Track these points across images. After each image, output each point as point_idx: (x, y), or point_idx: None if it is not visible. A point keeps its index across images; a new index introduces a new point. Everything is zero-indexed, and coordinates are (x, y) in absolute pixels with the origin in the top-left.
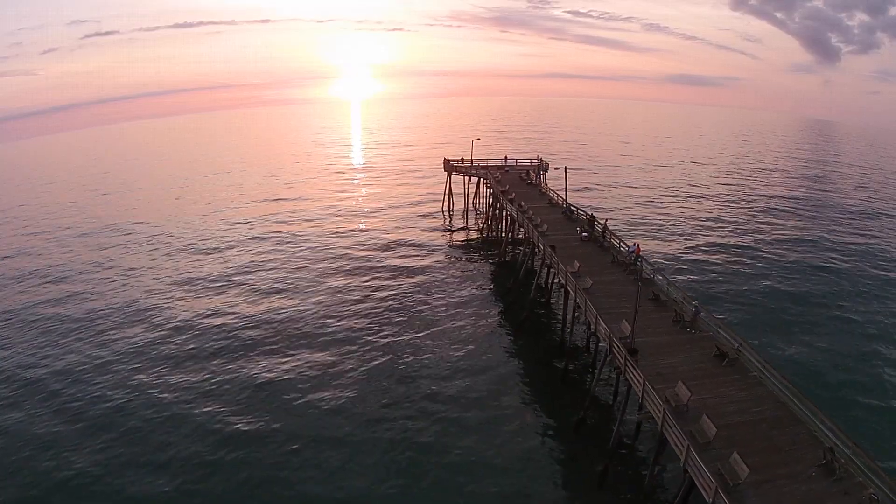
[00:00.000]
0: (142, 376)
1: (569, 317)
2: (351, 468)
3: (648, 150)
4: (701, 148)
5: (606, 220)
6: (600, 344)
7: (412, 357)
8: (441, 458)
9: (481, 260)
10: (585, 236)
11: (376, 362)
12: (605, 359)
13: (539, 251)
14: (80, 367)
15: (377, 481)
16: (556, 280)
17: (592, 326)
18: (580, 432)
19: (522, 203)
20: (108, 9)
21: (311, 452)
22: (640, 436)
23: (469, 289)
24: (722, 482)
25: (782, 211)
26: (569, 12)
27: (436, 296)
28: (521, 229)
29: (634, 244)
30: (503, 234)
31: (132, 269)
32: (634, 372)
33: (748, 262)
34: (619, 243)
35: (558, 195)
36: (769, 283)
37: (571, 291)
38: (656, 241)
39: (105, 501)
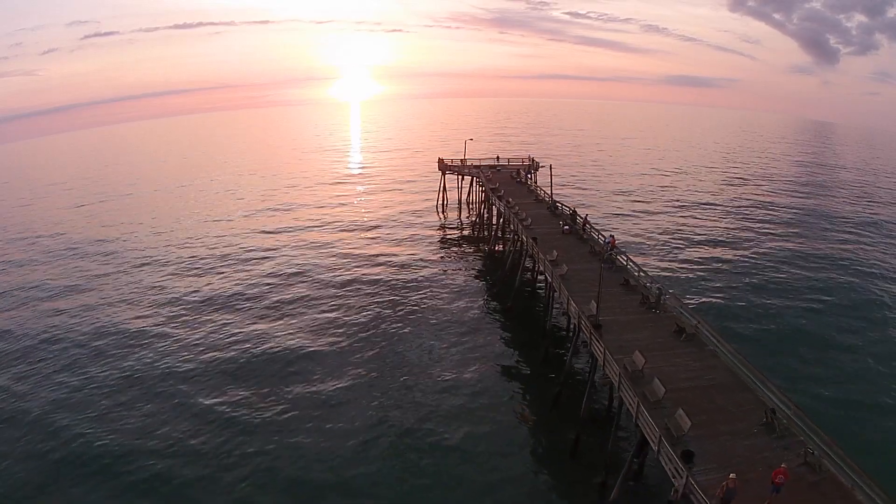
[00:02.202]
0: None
1: (549, 302)
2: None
3: (645, 152)
4: (698, 151)
5: (587, 215)
6: (572, 322)
7: (403, 345)
8: (427, 436)
9: (472, 253)
10: (567, 229)
11: (372, 348)
12: (577, 336)
13: (524, 243)
14: (71, 396)
15: (372, 463)
16: (539, 269)
17: (566, 307)
18: (557, 406)
19: (510, 199)
20: (108, 9)
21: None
22: (611, 405)
23: (459, 280)
24: (667, 434)
25: (779, 218)
26: (568, 13)
27: (428, 287)
28: (509, 224)
29: (610, 236)
30: (493, 229)
31: (123, 282)
32: (598, 343)
33: (742, 274)
34: (598, 235)
35: (545, 192)
36: (758, 292)
37: (549, 278)
38: (648, 249)
39: None
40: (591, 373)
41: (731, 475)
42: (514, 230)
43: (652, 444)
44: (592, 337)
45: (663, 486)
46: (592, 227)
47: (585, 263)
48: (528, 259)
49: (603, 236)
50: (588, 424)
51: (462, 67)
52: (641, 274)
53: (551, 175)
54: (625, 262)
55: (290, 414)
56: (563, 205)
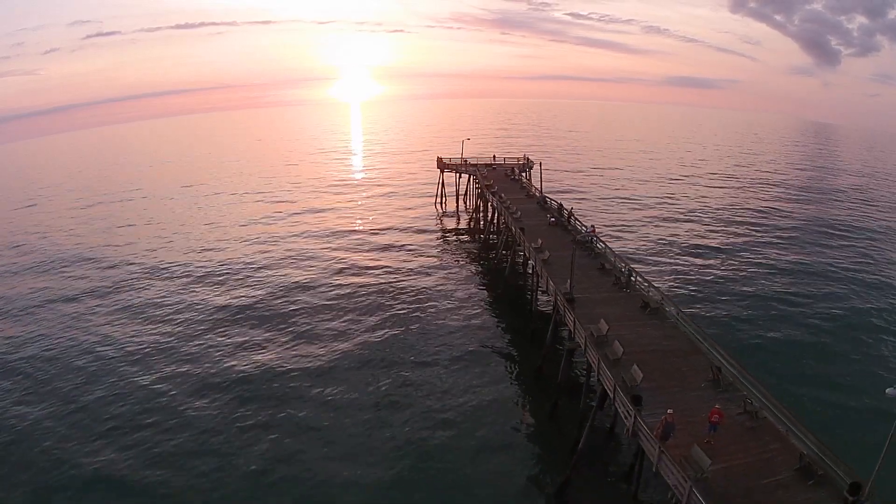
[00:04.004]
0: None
1: (535, 285)
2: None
3: (645, 156)
4: (699, 155)
5: (572, 208)
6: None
7: (401, 327)
8: (420, 406)
9: (468, 245)
10: (553, 221)
11: (373, 329)
12: (556, 313)
13: (513, 234)
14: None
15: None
16: (527, 257)
17: (546, 288)
18: (540, 377)
19: (503, 195)
20: (110, 9)
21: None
22: (589, 374)
23: (455, 270)
24: (622, 385)
25: (779, 224)
26: (569, 14)
27: (425, 277)
28: (501, 217)
29: (591, 226)
30: (487, 223)
31: (115, 293)
32: (569, 314)
33: (739, 282)
34: (581, 226)
35: (536, 188)
36: (756, 301)
37: (533, 262)
38: (646, 255)
39: None
40: (567, 343)
41: (669, 411)
42: (505, 222)
43: (609, 392)
44: (566, 309)
45: (626, 440)
46: (577, 220)
47: (567, 250)
48: (517, 248)
49: (585, 226)
50: (565, 390)
51: (463, 68)
52: (616, 259)
53: (541, 173)
54: (602, 249)
55: (296, 415)
56: (551, 199)
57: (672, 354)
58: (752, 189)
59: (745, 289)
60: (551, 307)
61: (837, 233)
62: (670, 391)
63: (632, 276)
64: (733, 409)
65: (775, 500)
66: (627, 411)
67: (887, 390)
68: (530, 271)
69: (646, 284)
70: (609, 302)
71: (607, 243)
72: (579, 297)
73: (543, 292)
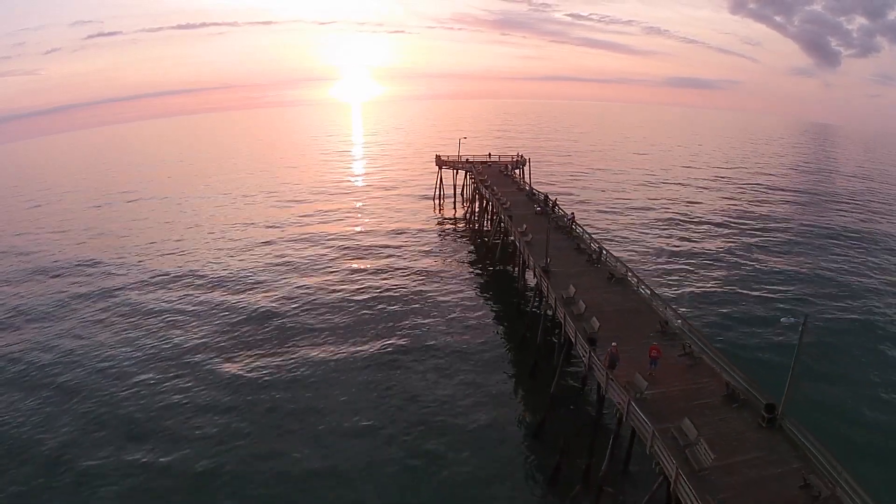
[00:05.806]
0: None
1: (521, 266)
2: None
3: (645, 158)
4: (700, 158)
5: (556, 198)
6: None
7: (401, 301)
8: (418, 380)
9: (464, 234)
10: (539, 210)
11: (375, 322)
12: (537, 287)
13: (503, 222)
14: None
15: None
16: (514, 240)
17: (528, 264)
18: (523, 344)
19: (495, 188)
20: (111, 9)
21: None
22: (558, 334)
23: (452, 255)
24: (583, 332)
25: (780, 228)
26: (570, 15)
27: (424, 266)
28: (493, 208)
29: (571, 213)
30: (481, 214)
31: (114, 301)
32: (545, 282)
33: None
34: (562, 213)
35: (526, 183)
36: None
37: (519, 245)
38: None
39: None
40: (542, 306)
41: (613, 343)
42: (496, 212)
43: (572, 339)
44: (541, 278)
45: (591, 389)
46: (560, 208)
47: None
48: (506, 234)
49: (566, 213)
50: (543, 352)
51: (464, 69)
52: (590, 239)
53: (530, 168)
54: (580, 233)
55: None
56: (538, 192)
57: (628, 312)
58: (750, 191)
59: (739, 288)
60: (534, 284)
61: (833, 235)
62: (623, 336)
63: (602, 252)
64: (675, 352)
65: (704, 417)
66: (584, 350)
67: (782, 319)
68: (518, 262)
69: (614, 260)
70: (581, 274)
71: (584, 228)
72: (556, 271)
73: (528, 269)
